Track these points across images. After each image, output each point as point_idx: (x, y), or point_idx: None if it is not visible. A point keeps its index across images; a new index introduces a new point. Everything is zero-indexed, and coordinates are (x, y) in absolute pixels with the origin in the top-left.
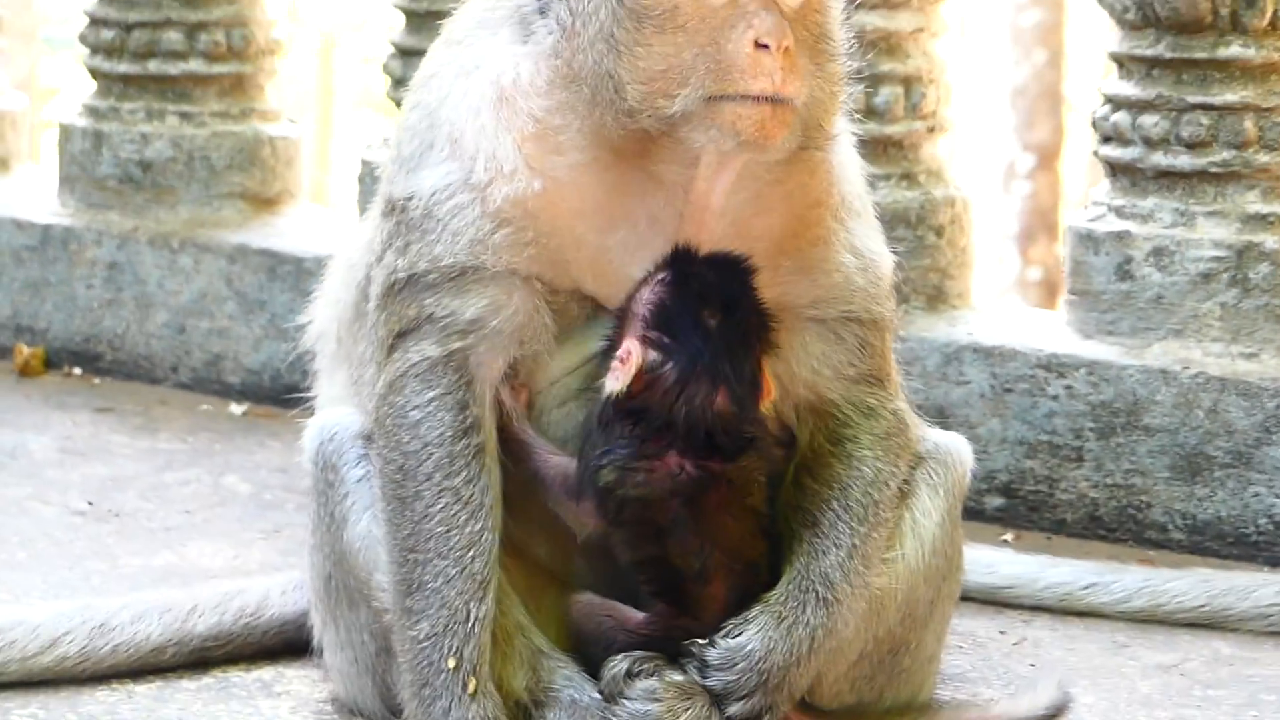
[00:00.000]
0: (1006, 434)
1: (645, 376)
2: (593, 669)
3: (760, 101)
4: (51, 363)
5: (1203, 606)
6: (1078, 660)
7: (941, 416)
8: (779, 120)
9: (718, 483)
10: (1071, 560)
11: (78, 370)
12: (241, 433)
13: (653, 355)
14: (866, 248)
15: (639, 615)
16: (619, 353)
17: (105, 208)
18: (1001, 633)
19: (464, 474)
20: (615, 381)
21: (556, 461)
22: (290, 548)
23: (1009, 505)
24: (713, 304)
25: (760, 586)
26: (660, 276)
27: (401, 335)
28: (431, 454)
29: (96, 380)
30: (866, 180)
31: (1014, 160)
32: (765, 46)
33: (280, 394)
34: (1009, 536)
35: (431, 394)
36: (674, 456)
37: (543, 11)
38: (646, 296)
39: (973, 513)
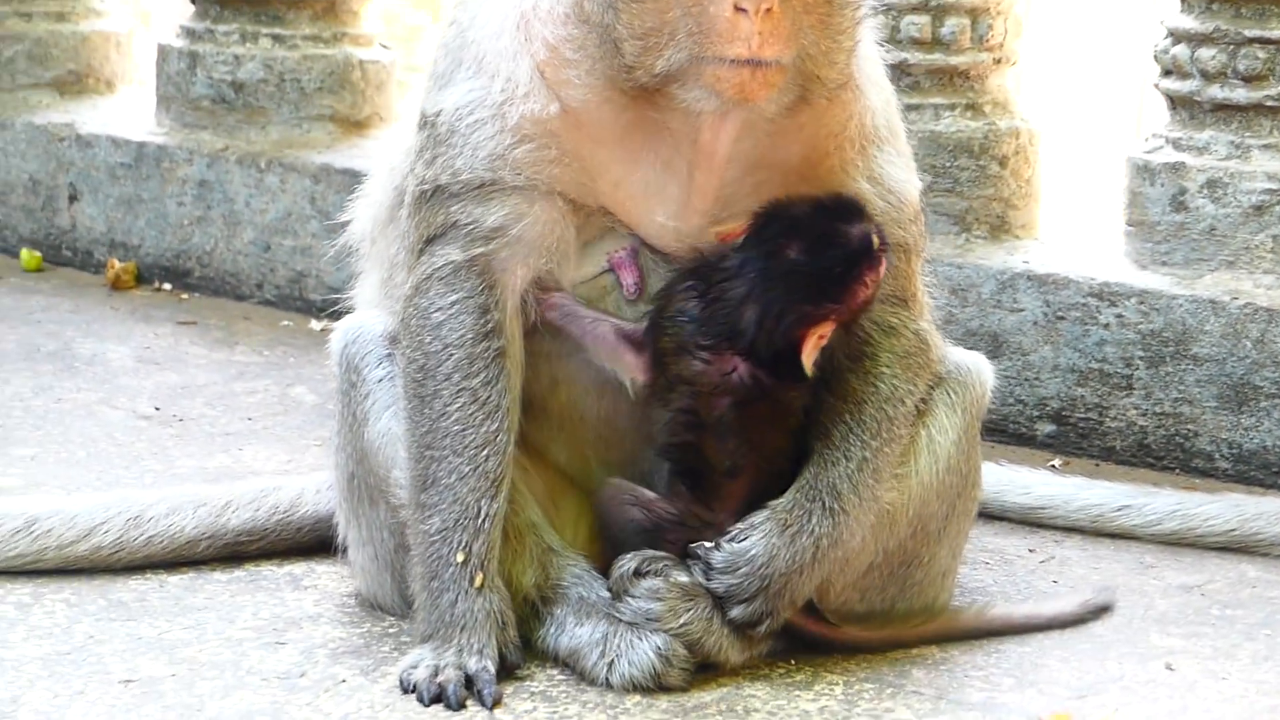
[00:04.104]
0: (1058, 361)
1: (727, 251)
2: (616, 551)
3: (738, 64)
4: (143, 278)
5: (1233, 530)
6: (1101, 578)
7: (995, 343)
8: (760, 81)
9: (765, 396)
10: (1106, 482)
11: (167, 285)
12: (317, 347)
13: (739, 238)
14: (887, 175)
15: (657, 497)
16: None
17: (198, 127)
18: (1030, 551)
19: (482, 375)
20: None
21: (608, 322)
22: None
23: (1059, 432)
24: (804, 243)
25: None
26: (815, 201)
27: (430, 240)
28: (452, 354)
29: (185, 295)
30: (897, 105)
31: None
32: (744, 10)
33: (345, 310)
34: (1057, 463)
35: (454, 297)
36: (733, 357)
37: None
38: (794, 205)
39: (1023, 439)
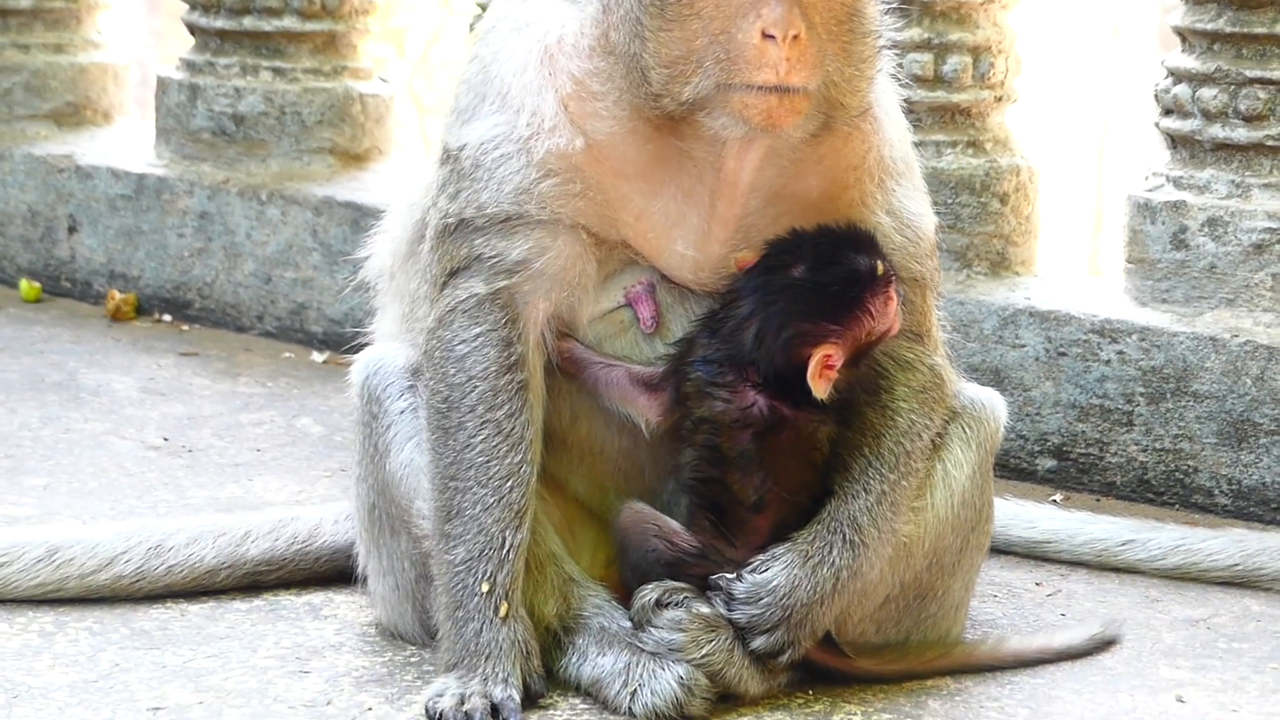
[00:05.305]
0: (1059, 397)
1: (734, 281)
2: (633, 577)
3: (766, 91)
4: (143, 309)
5: (1236, 565)
6: (1108, 612)
7: (997, 379)
8: (787, 108)
9: (786, 426)
10: (1110, 517)
11: (167, 317)
12: (320, 379)
13: (749, 264)
14: (905, 209)
15: (680, 529)
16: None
17: (198, 159)
18: (1037, 584)
19: (506, 408)
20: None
21: (620, 367)
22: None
23: (1060, 467)
24: (808, 263)
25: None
26: (827, 228)
27: (453, 274)
28: (475, 387)
29: (185, 327)
30: (911, 141)
31: None
32: (772, 37)
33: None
34: (1059, 497)
35: (478, 329)
36: (750, 390)
37: None
38: (806, 231)
39: (1024, 473)
